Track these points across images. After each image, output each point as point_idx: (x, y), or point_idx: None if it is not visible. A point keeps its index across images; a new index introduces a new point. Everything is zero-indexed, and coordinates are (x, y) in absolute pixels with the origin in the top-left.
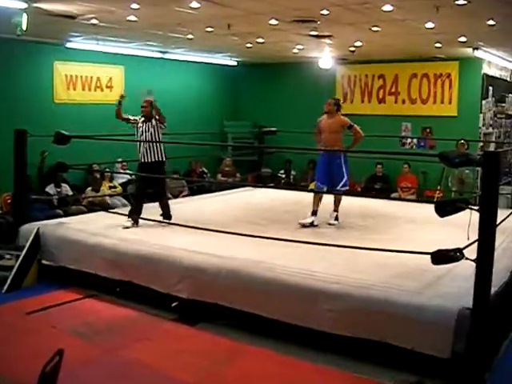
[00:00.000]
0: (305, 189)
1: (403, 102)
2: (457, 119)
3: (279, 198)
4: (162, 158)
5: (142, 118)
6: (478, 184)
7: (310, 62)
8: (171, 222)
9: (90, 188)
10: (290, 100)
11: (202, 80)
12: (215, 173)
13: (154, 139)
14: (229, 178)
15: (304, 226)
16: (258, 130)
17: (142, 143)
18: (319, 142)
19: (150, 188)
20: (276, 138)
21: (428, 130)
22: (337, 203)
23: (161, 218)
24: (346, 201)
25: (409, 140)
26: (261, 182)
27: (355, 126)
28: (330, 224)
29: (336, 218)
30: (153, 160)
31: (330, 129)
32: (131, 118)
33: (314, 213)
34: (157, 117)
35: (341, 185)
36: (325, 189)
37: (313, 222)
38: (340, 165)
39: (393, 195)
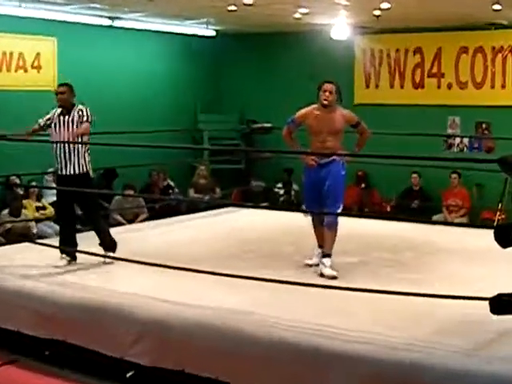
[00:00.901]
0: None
1: (449, 86)
2: None
3: (276, 222)
4: (87, 168)
5: (59, 110)
6: None
7: (318, 32)
8: (124, 258)
9: (6, 211)
10: (290, 84)
11: (167, 57)
12: (186, 187)
13: (75, 139)
14: (205, 194)
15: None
16: (246, 127)
17: (57, 147)
18: (295, 147)
19: (80, 207)
20: (271, 137)
21: (484, 127)
22: (330, 240)
23: (106, 251)
24: (370, 226)
25: (457, 140)
26: (250, 200)
27: (362, 122)
28: (327, 276)
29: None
30: (73, 173)
31: (330, 128)
32: (43, 120)
33: (321, 246)
34: (82, 109)
35: (337, 205)
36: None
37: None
38: (342, 180)
39: (436, 217)
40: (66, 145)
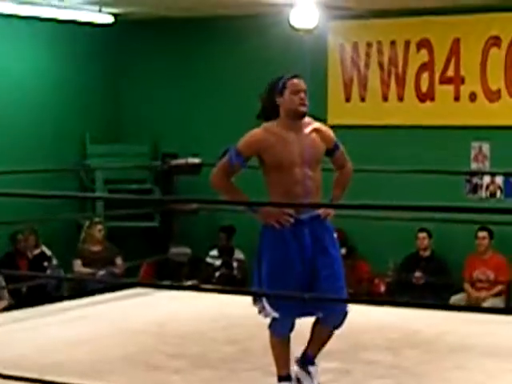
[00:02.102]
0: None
1: (472, 97)
2: None
3: (210, 310)
4: None
5: None
6: None
7: (271, 17)
8: None
9: None
10: (228, 99)
11: (41, 56)
12: (69, 257)
13: None
14: (99, 268)
15: None
16: (163, 164)
17: None
18: (236, 194)
19: None
20: (201, 179)
21: None
22: (323, 342)
23: None
24: (356, 314)
25: (486, 180)
26: (169, 275)
27: (341, 146)
28: None
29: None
30: None
31: (308, 155)
32: None
33: (286, 379)
34: None
35: (344, 288)
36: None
37: None
38: (336, 246)
39: (455, 298)
40: None
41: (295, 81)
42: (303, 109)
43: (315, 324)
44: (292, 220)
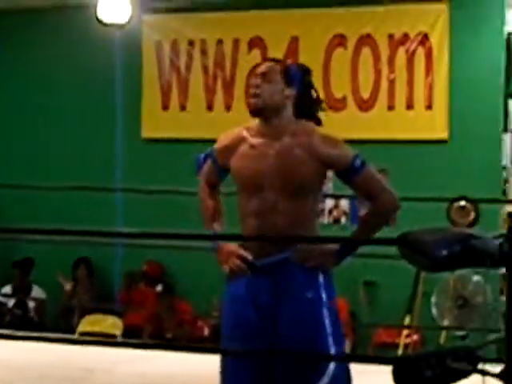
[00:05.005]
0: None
1: None
2: (447, 147)
3: (5, 361)
4: None
5: None
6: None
7: (75, 10)
8: None
9: None
10: (26, 112)
11: None
12: None
13: None
14: None
15: None
16: None
17: None
18: (214, 219)
19: None
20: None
21: None
22: None
23: None
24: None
25: (329, 203)
26: None
27: (370, 166)
28: None
29: None
30: None
31: (277, 176)
32: None
33: None
34: None
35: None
36: None
37: None
38: (321, 312)
39: None
40: None
41: (257, 68)
42: (251, 100)
43: None
44: (246, 270)
